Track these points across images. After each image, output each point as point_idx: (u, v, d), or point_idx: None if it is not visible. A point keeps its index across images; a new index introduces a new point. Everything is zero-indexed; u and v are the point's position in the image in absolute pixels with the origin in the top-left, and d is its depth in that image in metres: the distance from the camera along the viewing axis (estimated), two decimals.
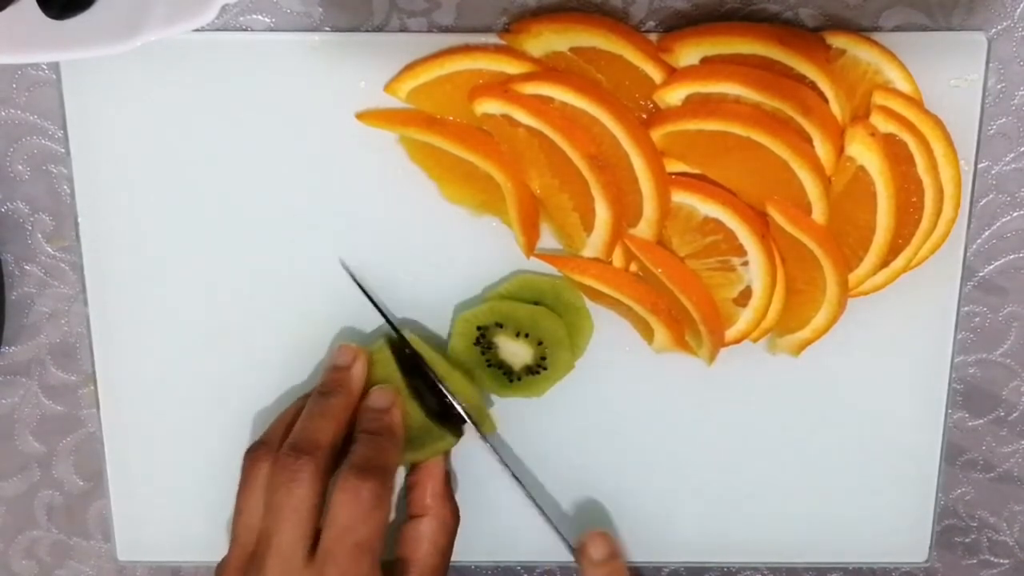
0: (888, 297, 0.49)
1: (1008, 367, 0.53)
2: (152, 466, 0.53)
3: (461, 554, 0.51)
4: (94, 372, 0.52)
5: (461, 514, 0.51)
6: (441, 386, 0.50)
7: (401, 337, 0.50)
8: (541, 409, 0.52)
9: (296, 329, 0.51)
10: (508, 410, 0.52)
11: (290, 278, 0.50)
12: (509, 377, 0.50)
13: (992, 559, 0.56)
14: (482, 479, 0.53)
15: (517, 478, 0.52)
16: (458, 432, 0.51)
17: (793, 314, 0.49)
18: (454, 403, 0.50)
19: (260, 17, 0.48)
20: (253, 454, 0.47)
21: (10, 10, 0.41)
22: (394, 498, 0.49)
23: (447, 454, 0.51)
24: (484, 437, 0.51)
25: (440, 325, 0.51)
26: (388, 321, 0.50)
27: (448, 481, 0.50)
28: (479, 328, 0.50)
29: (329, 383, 0.49)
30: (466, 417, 0.50)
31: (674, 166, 0.48)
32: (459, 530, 0.50)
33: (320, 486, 0.45)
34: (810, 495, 0.53)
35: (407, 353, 0.50)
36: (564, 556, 0.54)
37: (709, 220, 0.48)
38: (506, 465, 0.52)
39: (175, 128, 0.49)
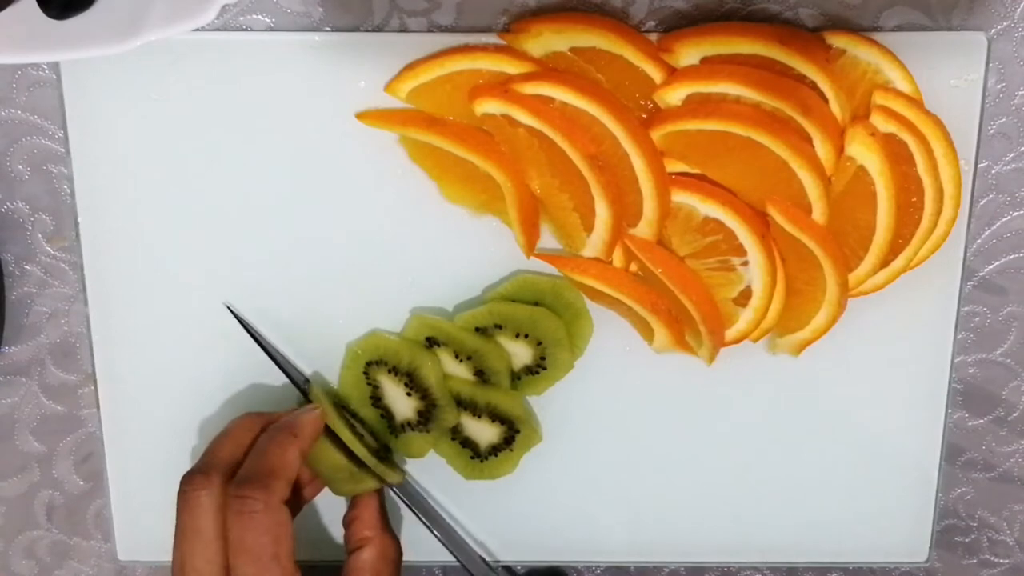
0: (888, 297, 0.49)
1: (1008, 367, 0.53)
2: (152, 466, 0.53)
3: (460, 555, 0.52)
4: (94, 372, 0.52)
5: (458, 518, 0.50)
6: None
7: (302, 391, 0.50)
8: (541, 409, 0.52)
9: (295, 328, 0.51)
10: None
11: (289, 278, 0.50)
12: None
13: (992, 559, 0.56)
14: (481, 482, 0.53)
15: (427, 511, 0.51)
16: (399, 471, 0.50)
17: (793, 314, 0.49)
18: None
19: (260, 17, 0.48)
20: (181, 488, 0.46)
21: (10, 10, 0.41)
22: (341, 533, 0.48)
23: (382, 490, 0.50)
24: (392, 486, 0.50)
25: None
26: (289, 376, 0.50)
27: (385, 513, 0.50)
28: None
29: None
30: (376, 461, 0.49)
31: (674, 166, 0.48)
32: (458, 531, 0.50)
33: (221, 504, 0.45)
34: (810, 495, 0.53)
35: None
36: (562, 557, 0.54)
37: (709, 220, 0.48)
38: (412, 508, 0.51)
39: (175, 128, 0.49)
